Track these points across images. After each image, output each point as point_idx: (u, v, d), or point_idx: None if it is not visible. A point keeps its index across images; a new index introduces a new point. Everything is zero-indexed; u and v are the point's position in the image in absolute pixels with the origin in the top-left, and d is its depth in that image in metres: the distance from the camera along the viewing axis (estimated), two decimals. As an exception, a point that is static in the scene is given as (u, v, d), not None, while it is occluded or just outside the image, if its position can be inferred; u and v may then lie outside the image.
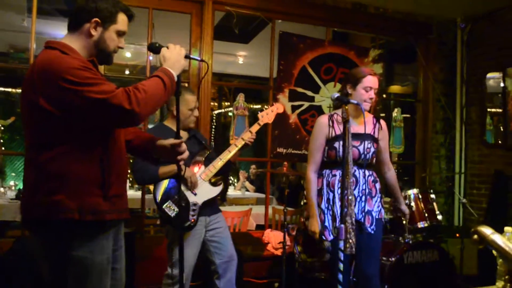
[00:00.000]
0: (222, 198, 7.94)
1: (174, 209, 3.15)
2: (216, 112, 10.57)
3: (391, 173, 3.32)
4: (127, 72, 8.49)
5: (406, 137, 5.85)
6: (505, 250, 1.57)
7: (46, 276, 1.96)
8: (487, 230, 1.67)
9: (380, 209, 3.13)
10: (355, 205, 3.04)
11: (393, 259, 3.59)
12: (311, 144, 3.13)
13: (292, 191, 8.28)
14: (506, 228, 2.37)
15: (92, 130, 1.90)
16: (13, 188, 6.65)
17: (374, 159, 3.15)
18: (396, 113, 5.81)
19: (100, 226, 1.94)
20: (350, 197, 2.78)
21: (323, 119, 3.12)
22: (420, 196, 3.95)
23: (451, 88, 5.77)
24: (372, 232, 3.05)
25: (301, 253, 4.07)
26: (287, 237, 4.71)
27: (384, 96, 6.83)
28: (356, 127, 3.04)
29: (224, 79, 9.28)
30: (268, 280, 4.69)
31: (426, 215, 3.90)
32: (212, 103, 10.25)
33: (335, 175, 3.05)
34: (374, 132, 3.16)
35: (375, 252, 3.10)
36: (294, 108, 5.06)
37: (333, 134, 3.06)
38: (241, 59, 8.31)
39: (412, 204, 3.91)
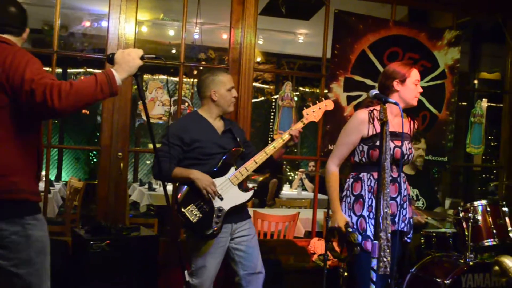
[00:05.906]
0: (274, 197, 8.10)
1: (196, 214, 3.28)
2: (275, 97, 10.71)
3: None
4: (173, 51, 8.81)
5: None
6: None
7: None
8: (510, 262, 1.68)
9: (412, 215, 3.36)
10: (397, 214, 3.16)
11: (448, 281, 3.59)
12: (342, 137, 3.26)
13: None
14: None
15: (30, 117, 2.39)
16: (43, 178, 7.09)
17: None
18: (477, 105, 5.69)
19: None
20: (386, 210, 2.84)
21: (363, 115, 3.19)
22: (488, 209, 3.90)
23: (547, 78, 5.57)
24: (409, 241, 3.30)
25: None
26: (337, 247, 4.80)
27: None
28: (394, 126, 3.16)
29: (283, 60, 9.40)
30: (310, 296, 4.78)
31: (495, 231, 3.85)
32: (267, 86, 10.41)
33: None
34: (410, 131, 3.38)
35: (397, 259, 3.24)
36: (350, 99, 5.10)
37: (374, 132, 3.15)
38: (301, 38, 8.39)
39: (479, 218, 3.87)
